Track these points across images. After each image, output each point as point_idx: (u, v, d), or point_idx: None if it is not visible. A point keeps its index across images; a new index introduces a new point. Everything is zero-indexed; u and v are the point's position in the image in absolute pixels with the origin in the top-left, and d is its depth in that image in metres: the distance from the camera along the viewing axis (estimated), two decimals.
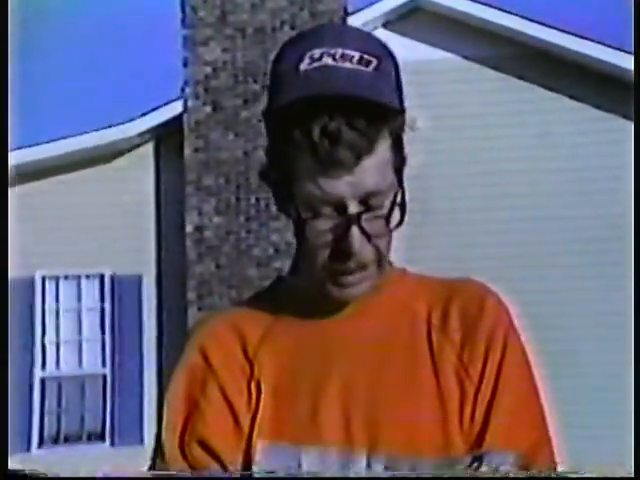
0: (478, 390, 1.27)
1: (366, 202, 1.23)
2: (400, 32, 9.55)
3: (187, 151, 9.24)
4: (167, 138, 9.84)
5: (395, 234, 1.27)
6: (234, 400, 1.29)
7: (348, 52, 1.22)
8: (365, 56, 1.23)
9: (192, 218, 9.15)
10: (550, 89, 9.44)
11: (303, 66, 1.23)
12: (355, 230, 1.22)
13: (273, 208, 8.92)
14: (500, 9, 9.55)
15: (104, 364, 9.67)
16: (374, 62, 1.23)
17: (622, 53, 9.25)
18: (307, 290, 1.32)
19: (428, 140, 8.36)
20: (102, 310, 9.76)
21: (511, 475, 1.24)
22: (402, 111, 1.25)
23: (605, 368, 8.60)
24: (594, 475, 1.27)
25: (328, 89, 1.20)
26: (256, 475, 1.25)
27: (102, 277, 9.74)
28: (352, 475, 1.24)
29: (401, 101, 1.26)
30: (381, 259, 1.28)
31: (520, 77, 9.49)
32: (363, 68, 1.22)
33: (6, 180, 2.54)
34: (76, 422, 9.64)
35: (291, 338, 1.31)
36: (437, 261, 7.75)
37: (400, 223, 1.26)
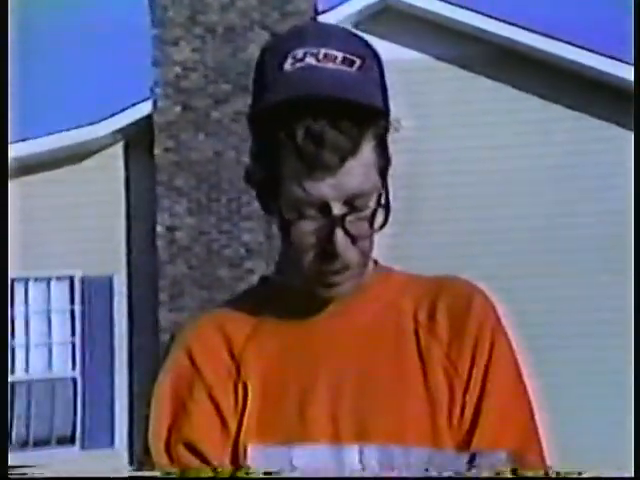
0: (466, 388, 1.27)
1: (350, 204, 1.23)
2: (370, 32, 9.54)
3: (157, 151, 9.21)
4: (137, 139, 9.80)
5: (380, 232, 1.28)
6: (221, 401, 1.29)
7: (331, 52, 1.23)
8: (348, 56, 1.23)
9: (163, 219, 9.12)
10: (519, 88, 9.51)
11: (286, 67, 1.23)
12: (339, 232, 1.22)
13: (245, 208, 8.92)
14: (469, 9, 9.61)
15: (74, 367, 9.62)
16: (358, 62, 1.23)
17: (586, 52, 9.34)
18: (292, 289, 1.32)
19: (396, 140, 8.35)
20: (72, 312, 9.71)
21: (511, 475, 1.24)
22: (387, 111, 1.25)
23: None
24: (594, 475, 1.28)
25: (312, 90, 1.20)
26: (254, 475, 1.26)
27: (72, 279, 9.68)
28: (347, 473, 1.24)
29: (386, 101, 1.26)
30: (365, 259, 1.28)
31: (489, 76, 9.55)
32: (347, 68, 1.22)
33: (6, 179, 2.52)
34: (46, 426, 9.58)
35: (277, 338, 1.31)
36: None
37: (384, 224, 1.27)
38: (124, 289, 9.67)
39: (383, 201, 1.26)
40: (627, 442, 4.44)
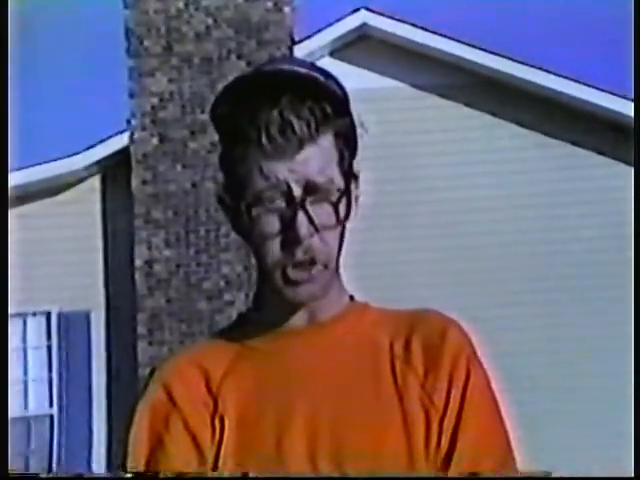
0: (443, 418, 1.29)
1: (310, 189, 1.26)
2: (347, 60, 9.65)
3: (135, 184, 9.22)
4: (114, 171, 9.81)
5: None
6: (198, 434, 1.30)
7: (297, 67, 1.30)
8: (312, 72, 1.30)
9: (141, 252, 9.12)
10: (500, 117, 9.60)
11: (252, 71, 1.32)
12: (301, 215, 1.25)
13: (223, 240, 8.93)
14: (450, 37, 9.70)
15: (51, 404, 9.55)
16: (321, 77, 1.29)
17: (566, 80, 9.46)
18: (269, 324, 1.34)
19: (376, 168, 8.45)
20: (49, 348, 9.65)
21: (510, 475, 1.27)
22: (348, 112, 1.30)
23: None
24: (594, 475, 1.30)
25: (275, 71, 1.28)
26: (253, 476, 1.27)
27: (49, 315, 9.64)
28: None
29: (347, 106, 1.31)
30: (331, 256, 1.29)
31: (469, 105, 9.64)
32: (314, 73, 1.30)
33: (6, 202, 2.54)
34: (21, 464, 9.49)
35: (254, 372, 1.33)
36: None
37: (346, 216, 1.29)
38: (102, 323, 9.64)
39: (346, 195, 1.29)
40: (627, 443, 4.53)
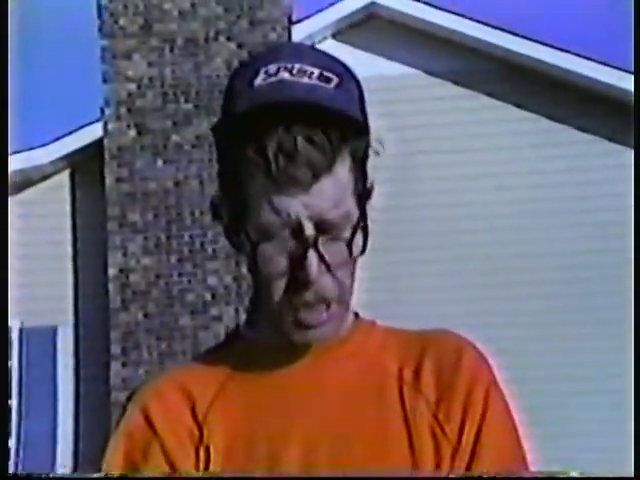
0: (455, 452, 1.30)
1: (323, 227, 1.27)
2: (352, 43, 9.65)
3: (108, 181, 9.23)
4: (84, 166, 9.82)
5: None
6: (180, 466, 1.32)
7: (307, 67, 1.29)
8: (325, 73, 1.29)
9: (115, 259, 9.13)
10: (524, 108, 9.58)
11: (258, 81, 1.29)
12: (312, 254, 1.26)
13: (210, 247, 8.93)
14: (467, 17, 9.69)
15: (10, 435, 9.55)
16: (335, 79, 1.29)
17: (603, 66, 9.44)
18: (264, 344, 1.36)
19: (385, 168, 8.41)
20: (9, 369, 9.66)
21: (511, 476, 1.30)
22: (366, 130, 1.31)
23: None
24: (594, 475, 1.33)
25: (285, 98, 1.26)
26: (256, 475, 1.29)
27: (9, 330, 9.65)
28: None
29: (365, 122, 1.32)
30: (344, 295, 1.31)
31: (490, 95, 9.63)
32: (323, 84, 1.29)
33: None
34: None
35: (246, 398, 1.34)
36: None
37: (363, 251, 1.31)
38: (70, 341, 9.64)
39: (361, 228, 1.30)
40: (627, 442, 4.69)
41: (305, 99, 1.26)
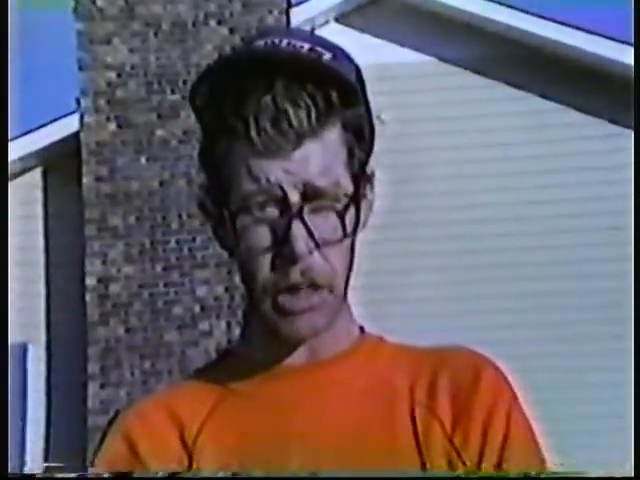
0: None
1: (309, 194, 1.28)
2: (358, 28, 9.67)
3: (86, 181, 9.24)
4: (59, 164, 9.83)
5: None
6: None
7: (298, 42, 1.31)
8: (317, 48, 1.31)
9: (94, 267, 9.13)
10: (551, 99, 9.59)
11: (243, 48, 1.36)
12: (297, 225, 1.26)
13: (199, 254, 8.94)
14: None
15: None
16: (328, 54, 1.30)
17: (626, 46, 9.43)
18: (259, 361, 1.36)
19: (393, 165, 8.45)
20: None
21: (513, 475, 1.30)
22: (361, 103, 1.32)
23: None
24: (594, 475, 1.35)
25: (268, 52, 1.29)
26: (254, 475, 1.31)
27: None
28: None
29: (364, 97, 1.32)
30: (334, 277, 1.30)
31: (512, 84, 9.64)
32: (319, 52, 1.31)
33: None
34: None
35: (239, 421, 1.35)
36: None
37: (356, 226, 1.31)
38: (42, 359, 9.63)
39: (354, 202, 1.30)
40: (627, 442, 4.80)
41: (292, 47, 1.28)
